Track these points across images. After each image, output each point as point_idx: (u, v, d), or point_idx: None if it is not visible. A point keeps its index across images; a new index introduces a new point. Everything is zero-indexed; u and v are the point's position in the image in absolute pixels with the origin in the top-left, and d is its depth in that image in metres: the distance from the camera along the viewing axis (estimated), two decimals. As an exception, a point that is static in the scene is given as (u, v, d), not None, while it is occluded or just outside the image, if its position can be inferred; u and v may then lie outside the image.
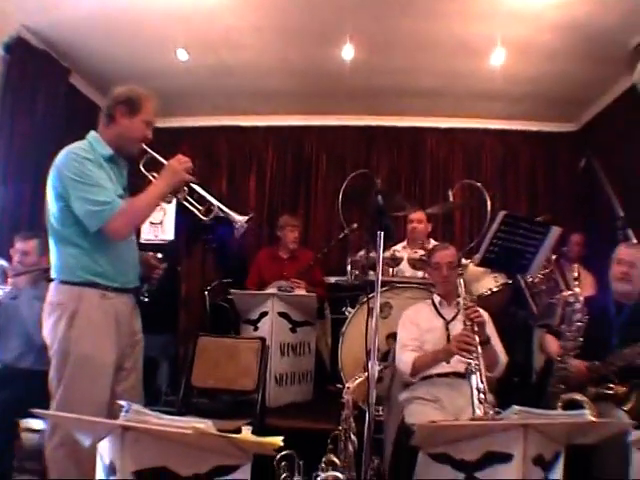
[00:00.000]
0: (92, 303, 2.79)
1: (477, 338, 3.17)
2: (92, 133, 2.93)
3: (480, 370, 3.04)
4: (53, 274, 2.85)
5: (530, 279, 4.80)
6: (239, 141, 7.74)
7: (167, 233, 6.07)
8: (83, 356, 2.74)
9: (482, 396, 2.93)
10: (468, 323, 3.24)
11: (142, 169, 3.01)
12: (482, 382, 2.99)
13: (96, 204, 2.69)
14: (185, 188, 2.98)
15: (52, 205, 2.80)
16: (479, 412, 2.87)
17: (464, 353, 3.13)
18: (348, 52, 5.57)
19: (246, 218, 3.04)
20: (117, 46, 5.76)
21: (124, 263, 2.93)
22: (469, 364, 3.08)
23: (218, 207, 3.00)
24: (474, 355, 3.09)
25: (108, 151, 2.89)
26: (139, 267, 3.08)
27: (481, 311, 3.62)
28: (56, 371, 2.77)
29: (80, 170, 2.72)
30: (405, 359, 3.46)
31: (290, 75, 6.38)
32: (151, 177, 2.98)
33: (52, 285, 2.85)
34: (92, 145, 2.86)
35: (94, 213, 2.70)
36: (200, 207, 3.03)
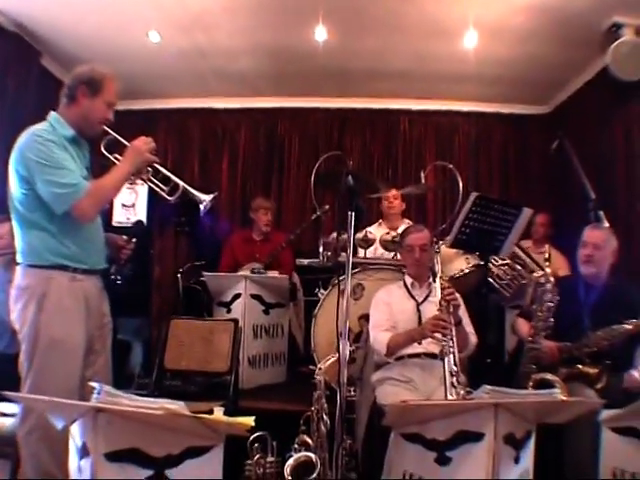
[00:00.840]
0: (61, 286, 2.79)
1: (452, 320, 3.20)
2: (53, 114, 2.90)
3: (454, 352, 3.07)
4: (19, 258, 2.84)
5: (495, 272, 4.83)
6: (211, 123, 7.68)
7: (139, 216, 6.04)
8: (53, 340, 2.74)
9: (455, 379, 2.96)
10: (444, 304, 3.25)
11: (103, 151, 3.03)
12: (455, 365, 3.02)
13: (62, 187, 2.69)
14: (149, 169, 3.00)
15: (16, 189, 2.79)
16: (452, 397, 2.90)
17: (438, 335, 3.15)
18: (321, 33, 5.54)
19: (211, 197, 3.06)
20: (89, 28, 5.65)
21: (91, 244, 2.94)
22: (443, 346, 3.10)
23: (182, 187, 3.03)
24: (448, 337, 3.12)
25: (70, 132, 2.88)
26: (105, 248, 3.08)
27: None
28: (26, 355, 2.76)
29: (45, 153, 2.71)
30: (380, 339, 3.48)
31: (263, 57, 6.32)
32: (113, 159, 3.00)
33: (19, 269, 2.83)
34: (54, 126, 2.85)
35: (60, 196, 2.70)
36: (164, 187, 3.05)
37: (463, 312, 3.56)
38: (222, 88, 7.24)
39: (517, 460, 2.31)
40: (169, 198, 3.05)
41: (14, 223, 2.85)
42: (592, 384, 3.27)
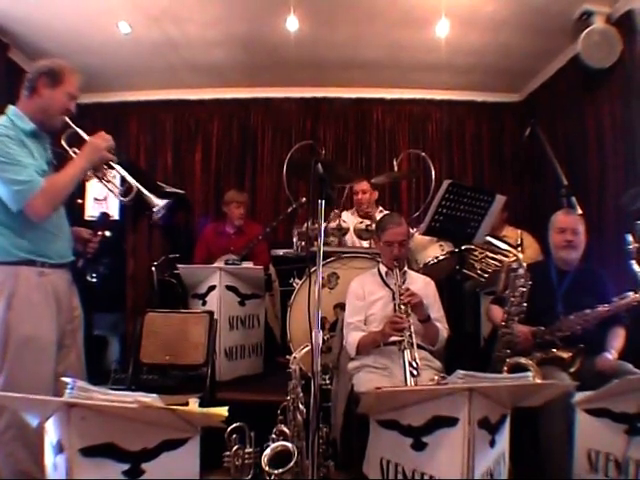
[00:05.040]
0: (29, 282, 2.78)
1: (411, 320, 3.27)
2: (12, 108, 2.89)
3: (412, 345, 3.14)
4: None
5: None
6: (184, 115, 7.63)
7: (111, 209, 5.98)
8: (24, 337, 2.74)
9: (414, 370, 3.02)
10: (403, 307, 3.31)
11: (63, 144, 3.00)
12: (414, 358, 3.08)
13: (17, 184, 2.68)
14: (105, 166, 2.98)
15: None
16: (411, 384, 2.96)
17: (397, 333, 3.22)
18: (292, 24, 5.51)
19: (164, 202, 3.05)
20: (57, 19, 5.57)
21: (56, 238, 2.93)
22: (401, 342, 3.17)
23: (137, 189, 3.00)
24: (407, 334, 3.18)
25: (29, 125, 2.86)
26: (72, 241, 3.07)
27: (427, 280, 3.70)
28: None
29: (0, 149, 2.69)
30: (350, 341, 3.53)
31: (234, 48, 6.29)
32: (72, 153, 2.97)
33: None
34: (13, 121, 2.83)
35: (15, 193, 2.69)
36: (118, 187, 3.06)
37: (436, 306, 3.65)
38: (194, 80, 7.20)
39: (492, 444, 2.34)
40: (123, 199, 3.05)
41: None
42: (566, 368, 3.31)
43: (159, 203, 3.04)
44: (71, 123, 2.96)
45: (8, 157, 2.68)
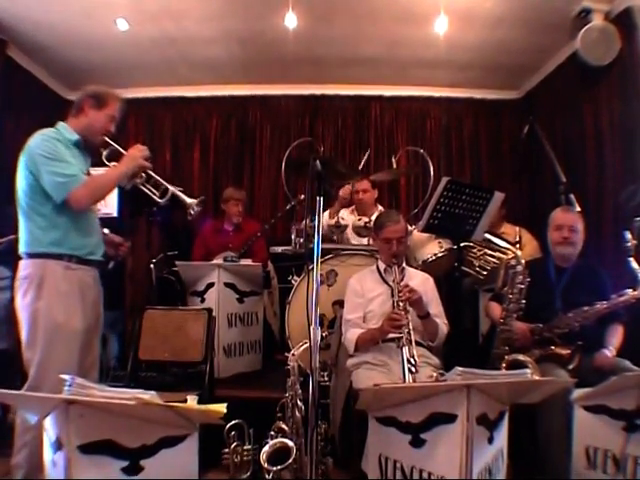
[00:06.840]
0: (56, 273, 3.00)
1: (409, 316, 3.27)
2: (60, 123, 3.20)
3: (411, 341, 3.15)
4: (21, 249, 3.06)
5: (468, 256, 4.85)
6: (182, 112, 7.62)
7: (110, 207, 5.99)
8: (54, 324, 2.93)
9: (413, 367, 3.02)
10: (401, 304, 3.31)
11: (104, 160, 3.32)
12: (412, 355, 3.08)
13: (63, 176, 2.96)
14: (143, 174, 3.31)
15: (22, 182, 3.05)
16: (410, 381, 2.96)
17: (395, 330, 3.24)
18: (291, 20, 5.49)
19: (197, 201, 3.39)
20: (56, 17, 5.56)
21: (87, 234, 3.16)
22: (400, 339, 3.18)
23: (172, 191, 3.38)
24: (405, 331, 3.19)
25: (75, 136, 3.18)
26: (102, 242, 3.30)
27: (426, 276, 3.69)
28: (30, 340, 2.95)
29: (50, 148, 3.00)
30: (349, 337, 3.53)
31: (233, 44, 6.27)
32: (112, 166, 3.29)
33: (21, 262, 3.05)
34: (60, 131, 3.16)
35: (60, 184, 2.96)
36: (155, 191, 3.37)
37: (435, 302, 3.64)
38: (192, 76, 7.19)
39: (491, 440, 2.34)
40: (160, 200, 3.38)
41: (20, 217, 3.08)
42: (564, 365, 3.31)
43: (192, 202, 3.39)
44: (110, 142, 3.31)
45: (56, 155, 3.00)
